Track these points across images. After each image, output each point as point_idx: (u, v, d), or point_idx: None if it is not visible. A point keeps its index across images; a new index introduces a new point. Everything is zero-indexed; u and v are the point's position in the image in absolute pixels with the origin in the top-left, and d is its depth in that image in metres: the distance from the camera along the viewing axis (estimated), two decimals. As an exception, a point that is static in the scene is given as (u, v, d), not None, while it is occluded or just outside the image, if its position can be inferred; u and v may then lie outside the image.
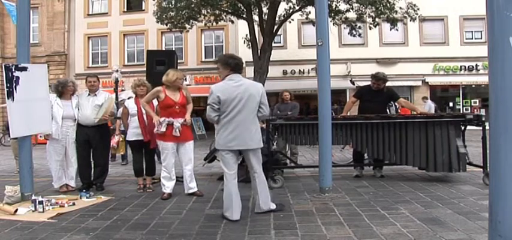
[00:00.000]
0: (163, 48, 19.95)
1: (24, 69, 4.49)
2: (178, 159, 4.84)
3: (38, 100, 4.68)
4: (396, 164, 5.47)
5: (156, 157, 5.66)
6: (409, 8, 14.75)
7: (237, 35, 18.98)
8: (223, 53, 20.60)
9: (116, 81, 16.07)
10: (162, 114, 4.69)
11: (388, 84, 6.12)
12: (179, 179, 4.96)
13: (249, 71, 17.57)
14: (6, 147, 14.14)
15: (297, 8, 15.11)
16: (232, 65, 3.80)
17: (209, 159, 6.33)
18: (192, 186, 4.80)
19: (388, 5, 14.11)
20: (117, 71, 16.54)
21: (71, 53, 21.60)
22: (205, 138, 15.53)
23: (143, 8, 20.86)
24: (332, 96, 4.92)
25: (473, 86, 19.26)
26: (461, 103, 19.55)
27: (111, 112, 5.40)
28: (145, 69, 6.27)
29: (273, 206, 3.90)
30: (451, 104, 19.81)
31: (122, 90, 17.40)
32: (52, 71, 19.56)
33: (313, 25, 14.82)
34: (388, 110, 7.70)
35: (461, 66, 19.17)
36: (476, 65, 18.91)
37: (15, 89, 4.38)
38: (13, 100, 4.37)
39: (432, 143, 5.16)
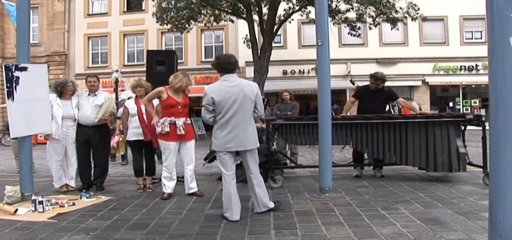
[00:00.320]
0: (163, 48, 19.96)
1: (24, 69, 4.49)
2: (179, 159, 4.85)
3: (38, 100, 4.68)
4: (396, 164, 5.46)
5: (156, 157, 5.66)
6: (409, 8, 14.74)
7: (237, 35, 18.98)
8: (223, 53, 20.64)
9: (116, 81, 16.07)
10: (164, 113, 4.69)
11: (388, 84, 6.12)
12: (180, 179, 4.96)
13: (249, 71, 17.58)
14: (6, 147, 14.15)
15: (296, 8, 15.11)
16: (224, 65, 3.78)
17: (209, 159, 6.33)
18: (192, 186, 4.80)
19: (388, 4, 14.11)
20: (117, 71, 16.54)
21: (71, 53, 21.60)
22: (205, 138, 15.53)
23: (143, 8, 20.88)
24: (332, 96, 4.92)
25: (473, 86, 19.27)
26: (461, 103, 19.55)
27: (111, 112, 5.40)
28: (145, 69, 6.26)
29: (271, 205, 3.90)
30: (451, 104, 19.82)
31: (122, 90, 17.40)
32: (52, 71, 19.57)
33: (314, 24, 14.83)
34: (392, 110, 7.72)
35: (461, 66, 19.17)
36: (476, 65, 18.91)
37: (15, 89, 4.38)
38: (13, 100, 4.37)
39: (432, 143, 5.16)
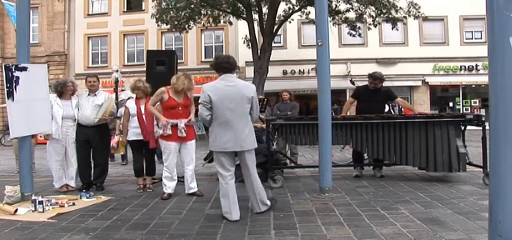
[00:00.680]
0: (163, 48, 19.95)
1: (24, 69, 4.49)
2: (179, 159, 4.85)
3: (38, 100, 4.68)
4: (396, 164, 5.47)
5: (156, 157, 5.66)
6: (410, 7, 14.72)
7: (237, 35, 18.98)
8: (223, 53, 20.64)
9: (116, 81, 16.08)
10: (165, 114, 4.69)
11: (388, 84, 6.13)
12: (180, 179, 4.96)
13: (249, 71, 17.58)
14: (6, 147, 14.15)
15: (296, 8, 15.11)
16: (222, 65, 3.79)
17: (209, 159, 6.32)
18: (192, 186, 4.80)
19: (388, 4, 14.10)
20: (117, 71, 16.55)
21: (71, 53, 21.59)
22: (205, 138, 15.53)
23: (143, 8, 20.87)
24: (332, 96, 4.92)
25: (473, 86, 19.27)
26: (461, 103, 19.55)
27: (110, 112, 5.40)
28: (145, 69, 6.26)
29: (268, 203, 3.89)
30: (451, 104, 19.83)
31: (122, 90, 17.39)
32: (52, 71, 19.57)
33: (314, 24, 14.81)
34: (392, 110, 7.73)
35: (461, 66, 19.17)
36: (476, 65, 18.91)
37: (15, 89, 4.38)
38: (13, 100, 4.37)
39: (432, 143, 5.16)
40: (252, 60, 15.56)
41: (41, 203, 4.08)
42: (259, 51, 15.03)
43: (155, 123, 4.99)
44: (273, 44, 15.84)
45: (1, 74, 6.19)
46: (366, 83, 6.12)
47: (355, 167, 5.98)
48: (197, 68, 20.35)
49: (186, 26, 15.02)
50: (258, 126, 7.04)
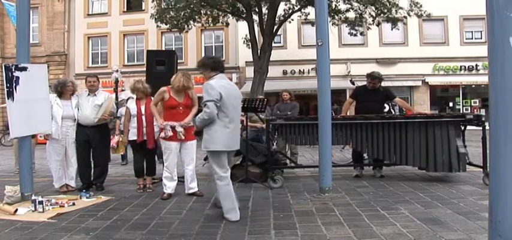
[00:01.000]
0: (163, 48, 19.94)
1: (24, 69, 4.49)
2: (180, 159, 4.85)
3: (38, 100, 4.68)
4: (396, 164, 5.47)
5: (156, 157, 5.66)
6: (412, 6, 14.70)
7: (237, 35, 18.98)
8: (223, 53, 20.66)
9: (116, 81, 16.08)
10: (166, 114, 4.69)
11: (388, 84, 6.14)
12: (180, 179, 4.96)
13: (249, 71, 17.58)
14: (6, 147, 14.14)
15: (296, 8, 15.10)
16: (219, 64, 3.82)
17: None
18: (192, 186, 4.80)
19: (388, 4, 14.09)
20: (117, 71, 16.56)
21: (71, 53, 21.59)
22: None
23: (143, 8, 20.86)
24: (332, 96, 4.92)
25: (473, 86, 19.26)
26: (461, 103, 19.55)
27: (110, 112, 5.40)
28: (145, 69, 6.26)
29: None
30: (451, 104, 19.82)
31: (122, 90, 17.39)
32: (52, 71, 19.55)
33: (312, 25, 14.78)
34: (392, 110, 7.73)
35: (461, 66, 19.17)
36: (476, 65, 18.90)
37: (15, 89, 4.38)
38: (13, 100, 4.37)
39: (432, 143, 5.16)
40: (252, 60, 15.55)
41: (41, 203, 4.07)
42: (259, 51, 15.03)
43: (156, 123, 4.99)
44: (273, 44, 15.84)
45: (1, 74, 6.19)
46: (365, 83, 6.13)
47: (355, 167, 5.98)
48: (197, 68, 20.35)
49: (186, 26, 15.02)
50: (258, 126, 7.05)
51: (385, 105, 7.42)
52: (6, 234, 3.36)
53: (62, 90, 5.30)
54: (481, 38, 18.66)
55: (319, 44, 4.63)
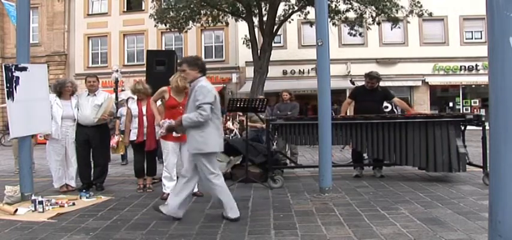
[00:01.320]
0: (163, 48, 19.95)
1: (24, 69, 4.49)
2: (180, 159, 4.84)
3: (38, 100, 4.68)
4: (396, 164, 5.47)
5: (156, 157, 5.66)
6: (413, 6, 14.70)
7: (237, 35, 18.97)
8: (223, 53, 20.66)
9: (116, 81, 16.07)
10: (166, 113, 4.70)
11: (388, 84, 6.14)
12: (179, 179, 4.95)
13: (249, 71, 17.58)
14: (6, 147, 14.13)
15: (296, 8, 15.10)
16: (203, 67, 3.83)
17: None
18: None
19: (388, 4, 14.09)
20: (117, 71, 16.55)
21: (70, 53, 21.58)
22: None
23: (143, 8, 20.84)
24: (332, 96, 4.92)
25: (473, 86, 19.25)
26: (461, 103, 19.54)
27: (110, 112, 5.40)
28: (145, 69, 6.27)
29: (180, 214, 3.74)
30: (451, 104, 19.81)
31: (122, 90, 17.39)
32: (52, 71, 19.53)
33: (311, 26, 14.76)
34: (395, 109, 7.72)
35: (461, 66, 19.16)
36: (476, 65, 18.89)
37: (15, 89, 4.38)
38: (13, 100, 4.37)
39: (432, 143, 5.16)
40: (252, 60, 15.55)
41: (41, 203, 4.07)
42: (259, 51, 15.03)
43: (156, 123, 5.00)
44: (273, 44, 15.83)
45: (1, 74, 6.19)
46: (363, 83, 6.13)
47: (355, 167, 5.98)
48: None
49: (186, 26, 15.02)
50: (258, 126, 7.06)
51: (388, 104, 7.41)
52: (6, 234, 3.36)
53: (61, 90, 5.30)
54: (481, 38, 18.64)
55: (319, 44, 4.63)
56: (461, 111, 18.09)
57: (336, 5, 14.83)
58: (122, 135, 6.81)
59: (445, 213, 3.69)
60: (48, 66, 9.31)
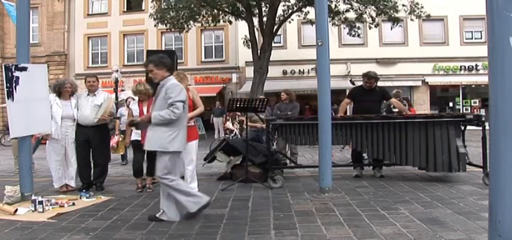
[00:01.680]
0: (163, 48, 19.93)
1: (24, 69, 4.49)
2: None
3: (38, 100, 4.68)
4: (396, 164, 5.47)
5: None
6: (413, 6, 14.70)
7: (236, 35, 18.98)
8: (223, 53, 20.66)
9: (116, 81, 16.08)
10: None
11: (388, 84, 6.15)
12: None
13: (249, 71, 17.58)
14: (6, 147, 14.13)
15: (295, 8, 15.10)
16: (172, 66, 3.78)
17: (209, 159, 6.33)
18: (192, 186, 4.79)
19: (388, 4, 14.09)
20: (117, 71, 16.56)
21: (70, 53, 21.59)
22: (205, 138, 15.52)
23: (143, 8, 20.87)
24: (332, 96, 4.92)
25: (473, 86, 19.26)
26: (461, 103, 19.54)
27: (110, 112, 5.39)
28: (145, 69, 6.26)
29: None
30: (451, 104, 19.81)
31: (122, 91, 17.40)
32: (52, 71, 19.54)
33: (312, 25, 14.78)
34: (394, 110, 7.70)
35: (461, 66, 19.16)
36: (476, 65, 18.90)
37: (15, 89, 4.38)
38: (13, 100, 4.37)
39: (432, 143, 5.16)
40: (252, 60, 15.55)
41: (40, 203, 4.07)
42: (259, 51, 15.04)
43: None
44: (273, 44, 15.85)
45: (1, 74, 6.18)
46: (361, 83, 6.13)
47: (355, 167, 5.98)
48: (197, 68, 20.38)
49: (186, 26, 15.02)
50: (258, 126, 7.06)
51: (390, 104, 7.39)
52: (6, 234, 3.36)
53: (60, 90, 5.30)
54: (481, 38, 18.64)
55: (319, 44, 4.63)
56: (461, 111, 18.10)
57: (335, 5, 14.83)
58: (122, 135, 6.81)
59: (445, 213, 3.69)
60: (48, 66, 9.30)
